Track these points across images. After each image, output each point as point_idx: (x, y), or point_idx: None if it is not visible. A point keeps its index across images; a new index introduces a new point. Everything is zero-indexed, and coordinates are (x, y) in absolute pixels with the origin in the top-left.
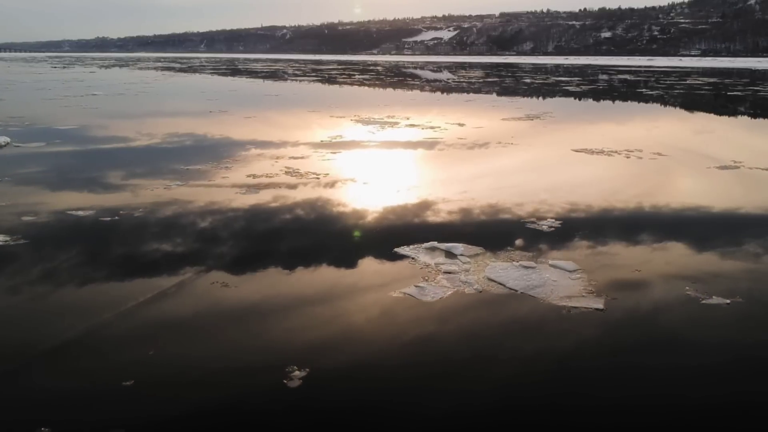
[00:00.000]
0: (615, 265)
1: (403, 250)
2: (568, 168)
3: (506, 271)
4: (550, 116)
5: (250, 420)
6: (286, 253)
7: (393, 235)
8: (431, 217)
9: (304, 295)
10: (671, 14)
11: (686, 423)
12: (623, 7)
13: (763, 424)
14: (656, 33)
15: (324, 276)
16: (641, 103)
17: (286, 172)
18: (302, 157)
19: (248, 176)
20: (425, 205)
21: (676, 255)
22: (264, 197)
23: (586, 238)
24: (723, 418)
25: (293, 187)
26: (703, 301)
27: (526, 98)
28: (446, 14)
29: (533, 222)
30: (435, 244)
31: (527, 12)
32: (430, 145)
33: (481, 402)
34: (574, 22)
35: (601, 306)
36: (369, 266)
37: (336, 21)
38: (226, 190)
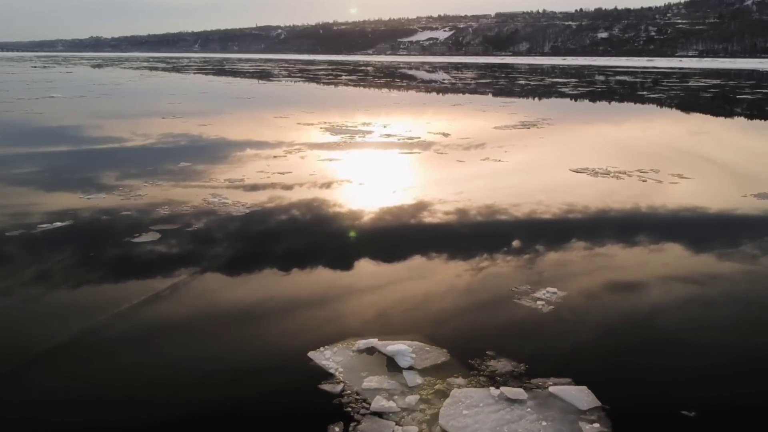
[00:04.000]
0: (651, 389)
1: (321, 355)
2: (569, 202)
3: (476, 411)
4: (546, 123)
5: (246, 422)
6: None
7: (317, 322)
8: (375, 291)
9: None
10: (668, 15)
11: (685, 424)
12: (619, 7)
13: (761, 424)
14: (653, 33)
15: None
16: (646, 109)
17: (206, 204)
18: (240, 179)
19: (156, 208)
20: (372, 268)
21: (748, 381)
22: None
23: (602, 329)
24: (721, 419)
25: (206, 224)
26: None
27: (521, 101)
28: (442, 14)
29: (526, 293)
30: (374, 343)
31: (523, 12)
32: (402, 162)
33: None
34: (570, 23)
35: None
36: (252, 395)
37: (331, 21)
38: (132, 219)
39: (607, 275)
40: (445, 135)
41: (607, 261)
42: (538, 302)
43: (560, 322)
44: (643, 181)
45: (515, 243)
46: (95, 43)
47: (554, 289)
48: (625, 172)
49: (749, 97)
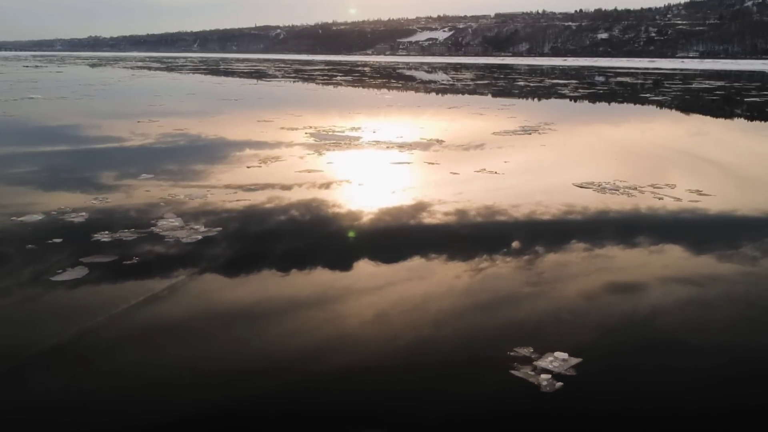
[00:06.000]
0: None
1: None
2: (575, 226)
3: None
4: (548, 128)
5: (245, 423)
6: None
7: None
8: (342, 357)
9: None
10: (668, 15)
11: (684, 425)
12: (619, 8)
13: (760, 426)
14: (653, 34)
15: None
16: (651, 112)
17: (155, 228)
18: (202, 195)
19: (91, 232)
20: (344, 322)
21: None
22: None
23: (623, 408)
24: (721, 421)
25: (147, 255)
26: None
27: (520, 103)
28: (441, 15)
29: (526, 360)
30: None
31: (522, 13)
32: (387, 176)
33: (478, 404)
34: (570, 23)
35: None
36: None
37: (330, 21)
38: (60, 246)
39: (633, 337)
40: (439, 141)
41: (631, 320)
42: (542, 377)
43: (572, 414)
44: (659, 198)
45: (508, 289)
46: (94, 43)
47: (564, 355)
48: (636, 188)
49: (757, 99)
